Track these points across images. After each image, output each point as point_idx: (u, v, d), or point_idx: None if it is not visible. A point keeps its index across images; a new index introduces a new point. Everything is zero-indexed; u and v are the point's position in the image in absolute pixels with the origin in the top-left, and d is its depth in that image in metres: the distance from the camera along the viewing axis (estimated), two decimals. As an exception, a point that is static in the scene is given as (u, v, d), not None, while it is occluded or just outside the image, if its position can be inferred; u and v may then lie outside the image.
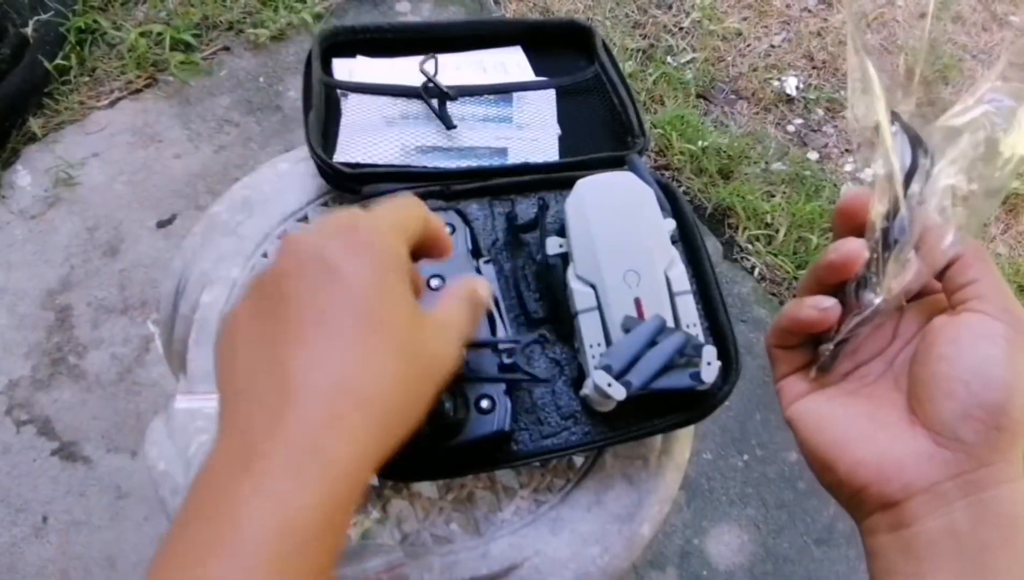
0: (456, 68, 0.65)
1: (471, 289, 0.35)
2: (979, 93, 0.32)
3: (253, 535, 0.24)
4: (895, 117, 0.33)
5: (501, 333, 0.43)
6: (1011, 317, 0.30)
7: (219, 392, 0.29)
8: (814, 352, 0.36)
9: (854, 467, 0.32)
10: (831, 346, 0.35)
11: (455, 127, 0.60)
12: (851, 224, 0.34)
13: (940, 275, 0.33)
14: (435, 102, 0.61)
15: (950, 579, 0.29)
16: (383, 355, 0.28)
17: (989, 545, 0.29)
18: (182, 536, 0.25)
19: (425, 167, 0.58)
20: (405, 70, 0.65)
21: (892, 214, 0.32)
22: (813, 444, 0.34)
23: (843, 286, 0.34)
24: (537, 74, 0.67)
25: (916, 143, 0.32)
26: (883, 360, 0.35)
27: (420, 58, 0.61)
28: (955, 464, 0.29)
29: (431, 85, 0.60)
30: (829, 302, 0.34)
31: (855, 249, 0.33)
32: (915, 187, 0.32)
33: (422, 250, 0.34)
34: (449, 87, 0.60)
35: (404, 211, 0.33)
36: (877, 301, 0.33)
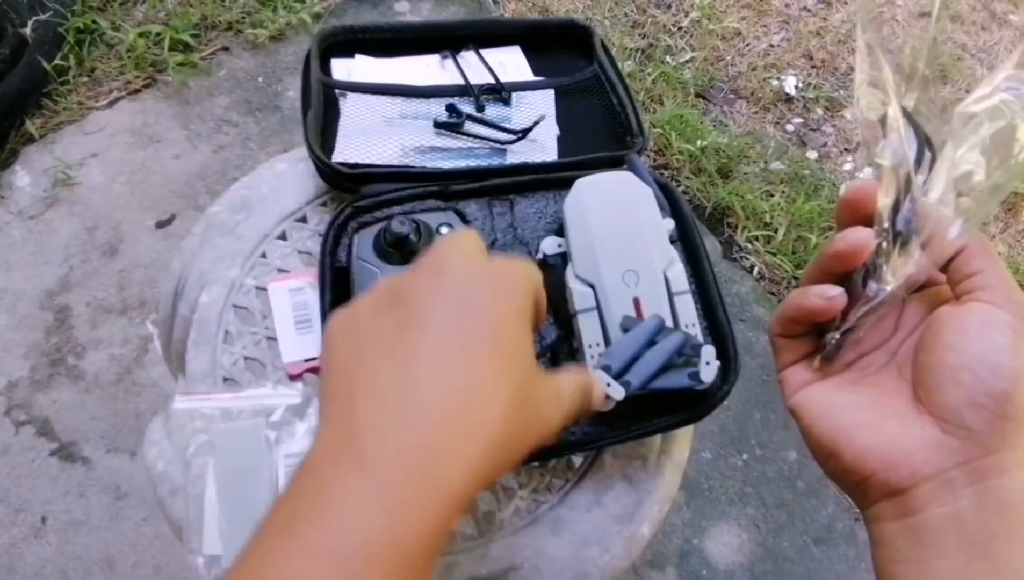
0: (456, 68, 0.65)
1: (590, 383, 0.36)
2: (997, 80, 0.32)
3: (360, 541, 0.24)
4: (903, 111, 0.33)
5: None
6: (1016, 306, 0.31)
7: (327, 378, 0.29)
8: (817, 341, 0.36)
9: (861, 454, 0.32)
10: (837, 335, 0.35)
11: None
12: (856, 215, 0.34)
13: (944, 266, 0.33)
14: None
15: (955, 566, 0.29)
16: (504, 387, 0.28)
17: (995, 532, 0.29)
18: (278, 526, 0.25)
19: (424, 167, 0.58)
20: (404, 70, 0.65)
21: (899, 205, 0.32)
22: (818, 431, 0.34)
23: (848, 275, 0.34)
24: (536, 74, 0.67)
25: (922, 137, 0.33)
26: (886, 351, 0.35)
27: (419, 58, 0.61)
28: (962, 452, 0.30)
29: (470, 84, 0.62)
30: (835, 291, 0.34)
31: (863, 238, 0.33)
32: (920, 179, 0.32)
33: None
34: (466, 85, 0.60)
35: (534, 273, 0.34)
36: (887, 289, 0.33)
